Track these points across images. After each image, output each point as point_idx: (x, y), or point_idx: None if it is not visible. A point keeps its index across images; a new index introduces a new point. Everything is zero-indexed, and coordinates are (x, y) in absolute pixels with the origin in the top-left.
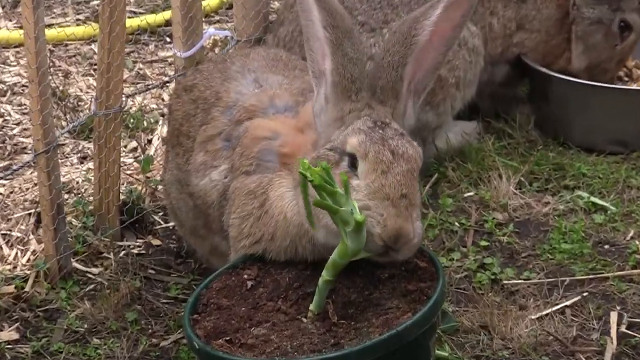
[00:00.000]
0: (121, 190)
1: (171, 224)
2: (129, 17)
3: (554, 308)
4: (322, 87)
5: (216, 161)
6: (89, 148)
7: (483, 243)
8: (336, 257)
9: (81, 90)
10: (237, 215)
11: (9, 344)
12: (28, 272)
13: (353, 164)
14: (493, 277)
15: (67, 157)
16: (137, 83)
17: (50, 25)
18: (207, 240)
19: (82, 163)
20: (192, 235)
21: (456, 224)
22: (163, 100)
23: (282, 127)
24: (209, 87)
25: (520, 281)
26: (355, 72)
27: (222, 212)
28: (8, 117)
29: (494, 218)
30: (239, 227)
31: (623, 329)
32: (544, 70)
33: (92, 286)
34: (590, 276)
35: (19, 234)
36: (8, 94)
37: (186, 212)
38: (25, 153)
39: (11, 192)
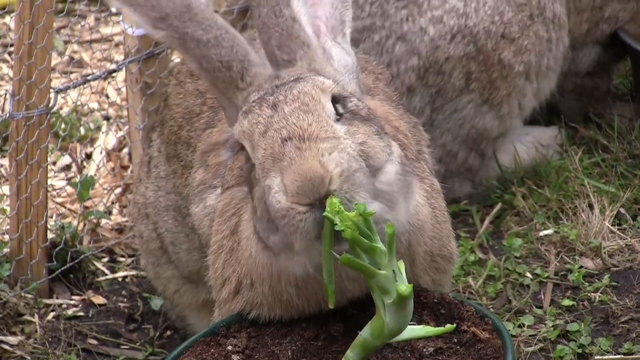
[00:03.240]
0: (49, 226)
1: (121, 274)
2: None
3: None
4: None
5: (216, 180)
6: (1, 165)
7: (566, 302)
8: (368, 336)
9: None
10: (210, 250)
11: None
12: None
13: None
14: (580, 350)
15: None
16: (71, 72)
17: None
18: (203, 290)
19: None
20: (187, 282)
21: (528, 275)
22: (108, 97)
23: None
24: None
25: (618, 357)
26: (221, 54)
27: None
28: None
29: (581, 267)
30: (213, 267)
31: None
32: None
33: None
34: None
35: None
36: None
37: (188, 250)
38: None
39: None
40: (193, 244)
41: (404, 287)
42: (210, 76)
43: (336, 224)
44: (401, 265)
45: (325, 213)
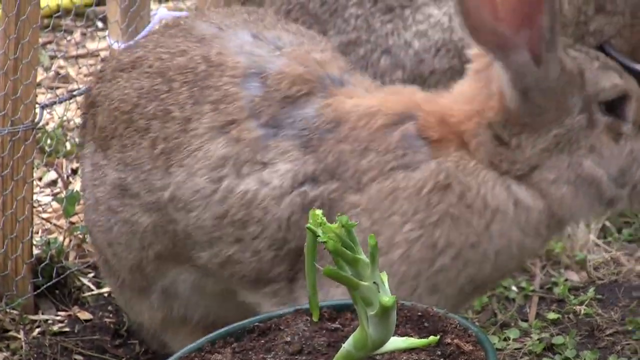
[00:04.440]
0: (35, 242)
1: (106, 289)
2: None
3: None
4: (520, 50)
5: (262, 156)
6: None
7: (551, 316)
8: (352, 348)
9: None
10: (410, 227)
11: None
12: None
13: (614, 110)
14: None
15: None
16: (57, 88)
17: None
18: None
19: None
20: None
21: (513, 288)
22: None
23: (398, 104)
24: (179, 53)
25: None
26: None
27: (295, 234)
28: None
29: (567, 280)
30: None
31: None
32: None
33: None
34: None
35: None
36: None
37: (141, 236)
38: None
39: None
40: (144, 227)
41: (387, 298)
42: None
43: (319, 236)
44: (384, 276)
45: (307, 225)
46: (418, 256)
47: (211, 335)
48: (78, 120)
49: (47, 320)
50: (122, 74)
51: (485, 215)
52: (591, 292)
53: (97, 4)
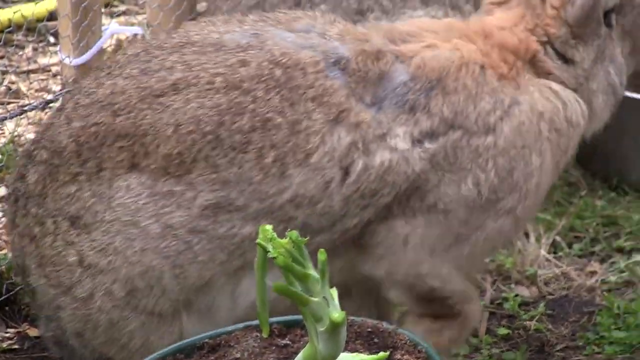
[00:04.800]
0: None
1: None
2: None
3: None
4: None
5: (381, 129)
6: None
7: (502, 331)
8: None
9: None
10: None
11: None
12: None
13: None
14: None
15: None
16: (8, 103)
17: None
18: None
19: None
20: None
21: None
22: None
23: (473, 51)
24: (239, 64)
25: None
26: None
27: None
28: None
29: (517, 295)
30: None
31: None
32: None
33: None
34: None
35: None
36: None
37: (235, 247)
38: None
39: None
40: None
41: (337, 314)
42: None
43: (269, 251)
44: (334, 292)
45: (257, 240)
46: (544, 180)
47: (161, 351)
48: (29, 136)
49: None
50: (164, 98)
51: (570, 134)
52: (542, 307)
53: (49, 19)
